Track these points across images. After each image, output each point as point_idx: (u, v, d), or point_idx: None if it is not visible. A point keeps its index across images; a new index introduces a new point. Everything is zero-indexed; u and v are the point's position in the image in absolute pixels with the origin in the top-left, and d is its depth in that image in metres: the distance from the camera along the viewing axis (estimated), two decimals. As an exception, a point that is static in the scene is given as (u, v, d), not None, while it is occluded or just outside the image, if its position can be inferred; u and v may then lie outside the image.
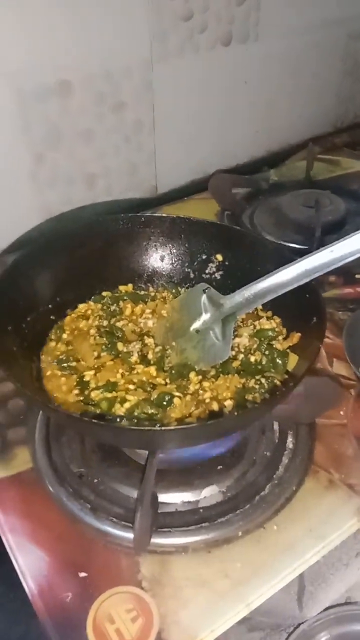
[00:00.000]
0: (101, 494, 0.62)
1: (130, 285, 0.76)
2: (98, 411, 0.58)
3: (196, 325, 0.65)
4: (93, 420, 0.51)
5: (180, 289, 0.77)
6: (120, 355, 0.65)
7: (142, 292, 0.76)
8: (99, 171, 1.04)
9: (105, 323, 0.70)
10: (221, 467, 0.64)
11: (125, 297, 0.74)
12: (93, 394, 0.60)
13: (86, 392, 0.61)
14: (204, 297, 0.66)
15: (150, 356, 0.65)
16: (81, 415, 0.53)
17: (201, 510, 0.60)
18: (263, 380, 0.62)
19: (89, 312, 0.72)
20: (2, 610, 0.63)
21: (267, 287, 0.62)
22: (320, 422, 0.70)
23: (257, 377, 0.62)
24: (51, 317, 0.70)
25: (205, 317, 0.65)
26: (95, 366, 0.64)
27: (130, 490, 0.62)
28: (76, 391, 0.61)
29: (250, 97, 1.20)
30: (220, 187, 1.10)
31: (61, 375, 0.63)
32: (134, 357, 0.65)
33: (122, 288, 0.76)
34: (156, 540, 0.57)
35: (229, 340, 0.64)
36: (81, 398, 0.60)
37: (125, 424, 0.56)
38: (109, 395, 0.59)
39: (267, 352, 0.65)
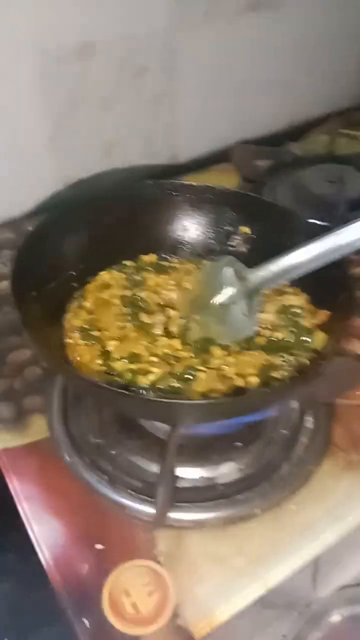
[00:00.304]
0: (119, 466, 0.61)
1: (153, 256, 0.74)
2: (122, 382, 0.57)
3: (220, 299, 0.63)
4: (122, 391, 0.50)
5: (203, 261, 0.75)
6: (143, 326, 0.64)
7: (165, 263, 0.74)
8: (117, 139, 1.02)
9: (128, 293, 0.68)
10: (239, 443, 0.63)
11: (148, 267, 0.72)
12: (116, 365, 0.59)
13: (109, 363, 0.60)
14: (228, 271, 0.64)
15: (173, 329, 0.64)
16: (108, 384, 0.52)
17: (219, 487, 0.60)
18: (290, 358, 0.61)
19: (112, 281, 0.70)
20: (16, 578, 0.63)
21: (296, 263, 0.59)
22: (340, 403, 0.69)
23: (283, 355, 0.61)
24: (73, 284, 0.69)
25: (229, 290, 0.63)
26: (118, 337, 0.63)
27: (148, 463, 0.61)
28: (99, 361, 0.60)
29: (273, 67, 1.17)
30: (243, 157, 1.07)
31: (84, 345, 0.62)
32: (158, 329, 0.63)
33: (145, 258, 0.74)
34: (173, 515, 0.57)
35: (255, 315, 0.63)
36: (104, 368, 0.59)
37: (150, 395, 0.55)
38: (133, 366, 0.58)
39: (293, 330, 0.64)
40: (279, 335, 0.63)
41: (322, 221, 0.93)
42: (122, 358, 0.60)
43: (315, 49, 1.21)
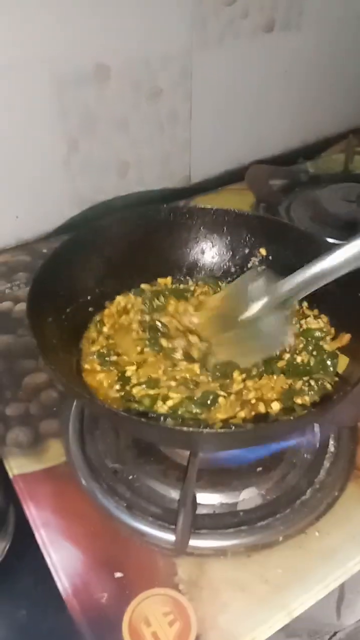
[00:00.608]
0: (137, 492, 0.60)
1: (169, 278, 0.74)
2: (141, 408, 0.56)
3: (249, 313, 0.62)
4: (141, 419, 0.49)
5: (221, 284, 0.75)
6: (163, 351, 0.63)
7: (182, 286, 0.74)
8: (132, 160, 1.02)
9: (147, 318, 0.68)
10: (260, 469, 0.62)
11: (166, 292, 0.72)
12: (135, 390, 0.58)
13: (127, 388, 0.59)
14: (255, 284, 0.63)
15: (194, 354, 0.63)
16: (125, 412, 0.51)
17: (241, 514, 0.59)
18: (312, 383, 0.60)
19: (129, 305, 0.70)
20: (32, 603, 0.62)
21: (326, 268, 0.58)
22: (363, 426, 0.68)
23: (305, 379, 0.60)
24: (90, 309, 0.69)
25: (258, 304, 0.62)
26: (137, 362, 0.62)
27: (166, 488, 0.60)
28: (117, 386, 0.59)
29: (288, 87, 1.18)
30: (257, 178, 1.07)
31: (100, 370, 0.61)
32: (178, 354, 0.63)
33: (161, 281, 0.74)
34: (194, 542, 0.55)
35: (288, 327, 0.62)
36: (122, 393, 0.59)
37: (170, 422, 0.54)
38: (151, 392, 0.58)
39: (314, 353, 0.63)
40: (299, 358, 0.63)
41: (338, 240, 0.93)
42: (140, 383, 0.59)
43: (330, 68, 1.22)
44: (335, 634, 0.63)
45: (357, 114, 1.36)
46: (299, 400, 0.58)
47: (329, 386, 0.60)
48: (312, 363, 0.62)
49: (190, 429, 0.52)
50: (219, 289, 0.74)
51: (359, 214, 0.93)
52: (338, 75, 1.25)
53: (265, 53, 1.09)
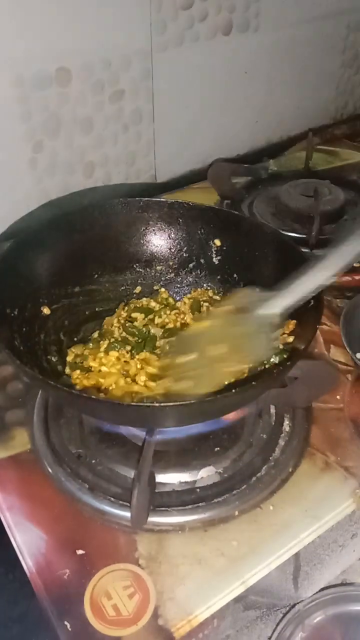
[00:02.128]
0: (99, 474, 0.62)
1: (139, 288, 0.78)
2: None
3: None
4: (91, 397, 0.51)
5: (180, 273, 0.78)
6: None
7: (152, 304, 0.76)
8: (97, 160, 1.04)
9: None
10: (218, 448, 0.65)
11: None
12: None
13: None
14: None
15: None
16: (80, 391, 0.53)
17: (198, 490, 0.61)
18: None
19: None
20: (2, 591, 0.64)
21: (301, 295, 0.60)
22: (317, 406, 0.70)
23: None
24: (47, 305, 0.71)
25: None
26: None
27: (128, 470, 0.62)
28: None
29: (250, 87, 1.21)
30: (219, 176, 1.10)
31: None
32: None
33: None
34: (153, 519, 0.58)
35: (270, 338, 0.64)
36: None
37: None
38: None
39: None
40: None
41: (298, 234, 0.97)
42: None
43: (289, 68, 1.26)
44: (293, 605, 0.65)
45: (317, 113, 1.40)
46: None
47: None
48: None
49: (140, 404, 0.54)
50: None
51: (316, 208, 0.96)
52: (298, 75, 1.28)
53: (225, 54, 1.12)
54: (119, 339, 0.69)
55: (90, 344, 0.70)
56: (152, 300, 0.76)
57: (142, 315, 0.73)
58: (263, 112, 1.28)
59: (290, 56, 1.24)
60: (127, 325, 0.71)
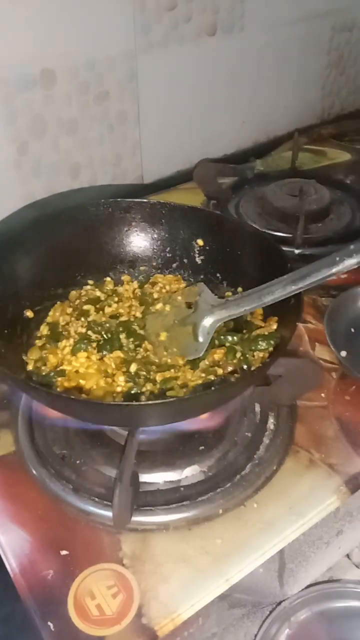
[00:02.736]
0: (83, 475, 0.62)
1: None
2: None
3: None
4: (71, 397, 0.51)
5: (165, 274, 0.78)
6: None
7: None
8: (83, 161, 1.04)
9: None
10: (203, 447, 0.65)
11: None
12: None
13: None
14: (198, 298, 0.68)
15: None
16: (62, 392, 0.53)
17: (182, 489, 0.61)
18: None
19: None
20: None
21: (254, 305, 0.63)
22: (302, 404, 0.70)
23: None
24: (30, 307, 0.71)
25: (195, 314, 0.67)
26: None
27: (112, 470, 0.62)
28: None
29: (236, 88, 1.21)
30: (205, 176, 1.10)
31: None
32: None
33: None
34: (137, 518, 0.58)
35: (207, 340, 0.66)
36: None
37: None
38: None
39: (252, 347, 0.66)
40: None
41: (284, 233, 0.97)
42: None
43: (275, 68, 1.26)
44: (279, 603, 0.66)
45: (304, 113, 1.41)
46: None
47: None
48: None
49: (120, 403, 0.54)
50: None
51: (301, 207, 0.96)
52: (284, 75, 1.29)
53: (210, 55, 1.12)
54: (76, 337, 0.68)
55: (47, 345, 0.69)
56: (97, 289, 0.76)
57: (93, 308, 0.73)
58: (249, 112, 1.28)
59: (276, 57, 1.25)
60: (89, 322, 0.70)
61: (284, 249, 0.70)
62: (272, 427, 0.68)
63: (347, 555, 0.74)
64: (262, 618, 0.64)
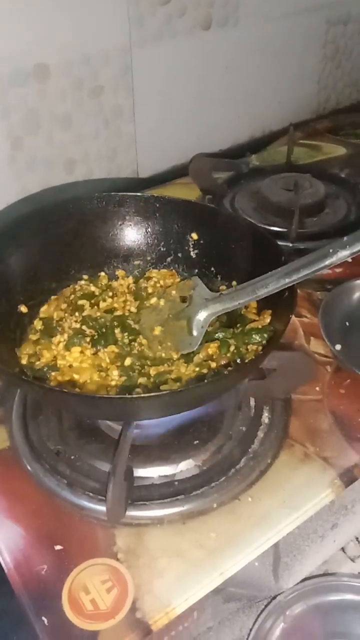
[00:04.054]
0: (78, 470, 0.62)
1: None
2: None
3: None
4: (64, 390, 0.51)
5: (158, 268, 0.78)
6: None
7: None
8: (78, 156, 1.04)
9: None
10: (197, 441, 0.64)
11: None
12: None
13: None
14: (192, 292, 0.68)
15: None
16: (55, 385, 0.53)
17: (177, 483, 0.61)
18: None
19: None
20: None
21: (248, 298, 0.63)
22: (296, 398, 0.70)
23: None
24: (24, 302, 0.70)
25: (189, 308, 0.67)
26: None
27: (106, 465, 0.62)
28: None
29: (231, 82, 1.21)
30: (200, 170, 1.10)
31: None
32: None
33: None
34: (132, 513, 0.58)
35: (201, 334, 0.66)
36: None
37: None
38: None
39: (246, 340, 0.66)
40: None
41: (279, 227, 0.97)
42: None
43: (270, 62, 1.25)
44: (275, 597, 0.66)
45: (299, 107, 1.40)
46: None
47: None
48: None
49: (114, 396, 0.54)
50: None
51: (296, 201, 0.96)
52: (279, 69, 1.29)
53: (205, 49, 1.12)
54: (70, 332, 0.68)
55: (41, 340, 0.69)
56: (91, 284, 0.76)
57: (87, 302, 0.72)
58: (245, 107, 1.28)
59: (271, 51, 1.24)
60: (84, 317, 0.70)
61: (280, 243, 0.70)
62: (266, 420, 0.68)
63: (342, 549, 0.74)
64: (257, 612, 0.64)
